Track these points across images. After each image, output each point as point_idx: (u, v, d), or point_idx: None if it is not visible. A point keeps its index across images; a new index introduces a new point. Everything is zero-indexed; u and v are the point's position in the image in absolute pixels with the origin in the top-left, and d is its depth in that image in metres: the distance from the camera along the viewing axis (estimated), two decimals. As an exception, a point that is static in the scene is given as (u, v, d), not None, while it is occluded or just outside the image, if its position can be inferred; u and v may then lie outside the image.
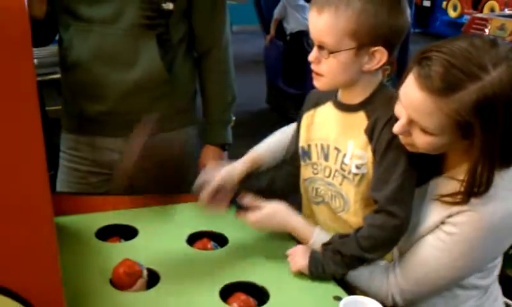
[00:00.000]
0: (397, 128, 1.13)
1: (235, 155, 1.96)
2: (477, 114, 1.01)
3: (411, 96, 1.08)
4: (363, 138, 1.25)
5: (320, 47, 1.22)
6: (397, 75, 4.17)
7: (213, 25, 1.76)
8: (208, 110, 1.84)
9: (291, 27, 5.55)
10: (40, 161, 0.81)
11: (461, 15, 9.27)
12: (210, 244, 1.41)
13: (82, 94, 1.68)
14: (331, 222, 1.36)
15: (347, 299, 1.08)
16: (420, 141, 1.10)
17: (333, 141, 1.31)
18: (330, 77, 1.25)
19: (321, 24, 1.20)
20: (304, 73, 4.76)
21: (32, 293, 0.83)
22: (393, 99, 1.22)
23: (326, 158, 1.33)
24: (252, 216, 1.35)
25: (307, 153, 1.38)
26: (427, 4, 9.95)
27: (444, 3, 9.69)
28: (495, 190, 1.10)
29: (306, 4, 5.42)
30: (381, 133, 1.22)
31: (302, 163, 1.40)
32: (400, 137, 1.16)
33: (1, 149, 0.78)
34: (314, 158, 1.36)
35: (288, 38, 5.57)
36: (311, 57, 1.24)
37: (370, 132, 1.24)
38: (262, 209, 1.35)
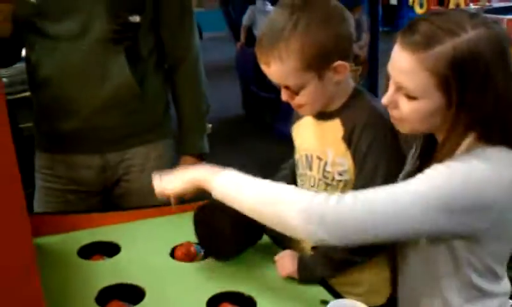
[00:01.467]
0: (385, 99, 1.12)
1: (212, 162, 1.96)
2: (453, 70, 1.01)
3: (395, 58, 1.08)
4: (342, 145, 1.26)
5: (287, 87, 1.24)
6: (369, 74, 4.21)
7: (181, 36, 1.76)
8: (183, 121, 1.83)
9: (261, 32, 5.57)
10: (14, 180, 0.80)
11: (427, 12, 9.42)
12: (193, 247, 1.41)
13: (54, 111, 1.66)
14: None
15: (334, 302, 1.08)
16: (407, 110, 1.08)
17: (315, 151, 1.33)
18: (310, 104, 1.27)
19: (274, 74, 1.22)
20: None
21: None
22: (368, 104, 1.25)
23: (310, 168, 1.34)
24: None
25: (296, 165, 1.40)
26: (393, 2, 10.09)
27: (410, 0, 9.83)
28: (468, 156, 1.05)
29: (275, 9, 5.44)
30: (359, 139, 1.24)
31: (296, 174, 1.42)
32: (390, 112, 1.13)
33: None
34: (301, 169, 1.38)
35: (259, 43, 5.59)
36: (283, 97, 1.26)
37: (348, 139, 1.25)
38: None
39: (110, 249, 1.43)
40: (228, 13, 5.82)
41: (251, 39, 5.61)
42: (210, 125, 2.70)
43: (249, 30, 5.64)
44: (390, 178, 1.22)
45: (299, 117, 1.40)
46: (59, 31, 1.57)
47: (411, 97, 1.06)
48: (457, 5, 8.73)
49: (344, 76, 1.24)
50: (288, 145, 1.46)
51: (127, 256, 1.40)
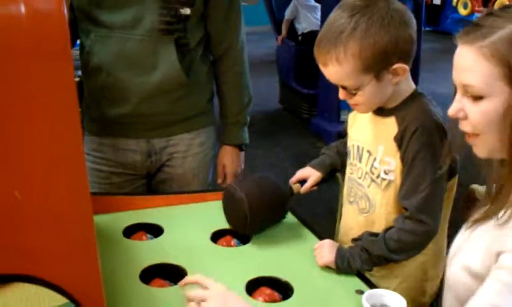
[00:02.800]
0: (451, 108, 1.00)
1: (249, 155, 2.01)
2: None
3: (456, 58, 0.99)
4: (393, 145, 1.28)
5: (344, 87, 1.26)
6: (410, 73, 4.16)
7: (228, 28, 1.80)
8: (225, 111, 1.89)
9: (303, 27, 5.57)
10: (80, 161, 0.86)
11: (471, 13, 9.23)
12: (234, 241, 1.45)
13: (104, 98, 1.73)
14: (355, 223, 1.40)
15: (370, 292, 1.11)
16: (474, 115, 0.96)
17: (366, 144, 1.35)
18: (366, 104, 1.29)
19: (332, 75, 1.24)
20: (317, 73, 4.77)
21: (76, 288, 0.87)
22: (424, 108, 1.26)
23: (360, 159, 1.37)
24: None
25: (349, 153, 1.43)
26: (437, 2, 9.91)
27: (454, 1, 9.65)
28: None
29: (318, 5, 5.44)
30: (409, 143, 1.25)
31: (347, 161, 1.46)
32: (461, 127, 1.00)
33: (44, 149, 0.83)
34: (351, 158, 1.41)
35: (300, 38, 5.59)
36: (341, 96, 1.29)
37: (400, 140, 1.27)
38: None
39: (153, 231, 1.49)
40: (271, 6, 5.83)
41: (292, 34, 5.62)
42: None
43: (291, 24, 5.64)
44: (437, 183, 1.25)
45: None
46: (113, 20, 1.63)
47: (476, 98, 0.95)
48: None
49: (402, 78, 1.24)
50: (325, 140, 1.50)
51: (170, 238, 1.46)
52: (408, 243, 1.28)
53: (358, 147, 1.38)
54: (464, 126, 0.99)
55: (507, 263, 0.90)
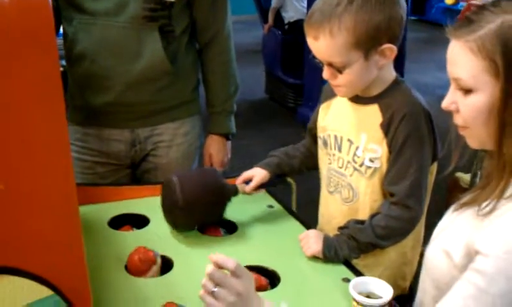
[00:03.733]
0: (444, 101, 1.01)
1: (234, 144, 2.00)
2: (500, 49, 0.91)
3: (448, 51, 1.00)
4: (379, 132, 1.28)
5: (330, 64, 1.24)
6: (395, 61, 4.17)
7: (214, 15, 1.79)
8: (212, 100, 1.87)
9: (289, 15, 5.55)
10: (65, 151, 0.85)
11: (456, 2, 9.25)
12: (220, 231, 1.45)
13: (88, 86, 1.72)
14: (338, 213, 1.40)
15: (356, 280, 1.12)
16: (465, 108, 0.97)
17: (346, 133, 1.35)
18: (350, 86, 1.28)
19: (322, 49, 1.22)
20: (303, 63, 4.79)
21: (62, 281, 0.87)
22: (409, 94, 1.26)
23: (340, 149, 1.36)
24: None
25: (325, 143, 1.42)
26: (423, -10, 9.94)
27: (440, -11, 9.69)
28: None
29: (304, -7, 5.42)
30: (397, 129, 1.25)
31: (322, 151, 1.44)
32: (454, 120, 1.01)
33: (29, 140, 0.82)
34: (328, 148, 1.40)
35: (286, 26, 5.58)
36: (325, 75, 1.27)
37: (386, 127, 1.27)
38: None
39: (139, 221, 1.48)
40: (258, -6, 5.81)
41: (278, 22, 5.60)
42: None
43: (278, 13, 5.62)
44: (424, 169, 1.26)
45: (329, 96, 1.41)
46: (96, 7, 1.61)
47: (466, 91, 0.96)
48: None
49: (387, 60, 1.24)
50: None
51: (156, 229, 1.45)
52: (396, 229, 1.29)
53: (336, 137, 1.37)
54: (457, 119, 1.00)
55: (483, 268, 0.91)
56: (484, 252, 0.91)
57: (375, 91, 1.30)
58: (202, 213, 1.40)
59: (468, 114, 0.97)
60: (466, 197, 1.07)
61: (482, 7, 0.95)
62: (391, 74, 1.31)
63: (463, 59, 0.95)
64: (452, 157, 1.08)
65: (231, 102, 1.89)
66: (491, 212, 0.94)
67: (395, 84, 1.31)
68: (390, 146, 1.27)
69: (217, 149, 1.88)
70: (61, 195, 0.87)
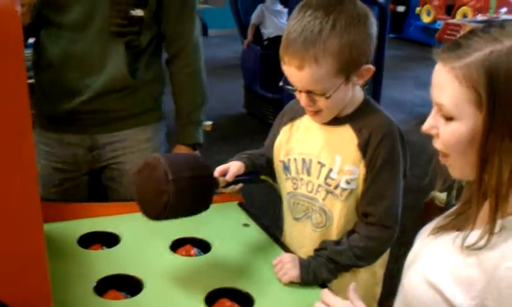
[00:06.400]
0: (425, 123, 0.98)
1: (212, 159, 1.97)
2: (486, 81, 0.87)
3: (433, 74, 0.96)
4: (355, 153, 1.26)
5: (309, 91, 1.21)
6: (373, 80, 4.20)
7: (182, 28, 1.80)
8: (179, 111, 1.88)
9: (268, 31, 5.57)
10: (30, 165, 0.81)
11: (434, 21, 9.39)
12: (194, 251, 1.41)
13: (53, 93, 1.73)
14: (307, 241, 1.36)
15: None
16: (445, 134, 0.94)
17: (316, 156, 1.31)
18: (329, 111, 1.25)
19: (305, 78, 1.18)
20: (282, 78, 4.77)
21: (23, 305, 0.82)
22: (383, 114, 1.26)
23: (308, 172, 1.32)
24: None
25: (287, 168, 1.37)
26: (401, 9, 10.06)
27: (418, 9, 9.81)
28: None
29: (284, 10, 5.45)
30: (375, 150, 1.24)
31: (283, 177, 1.39)
32: (434, 144, 0.98)
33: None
34: (293, 172, 1.35)
35: (265, 42, 5.59)
36: (303, 103, 1.24)
37: (364, 148, 1.25)
38: None
39: (109, 240, 1.43)
40: (237, 10, 5.80)
41: (258, 38, 5.61)
42: (210, 122, 2.72)
43: (257, 29, 5.63)
44: (400, 188, 1.27)
45: (293, 118, 1.38)
46: (63, 20, 1.62)
47: (448, 118, 0.93)
48: (465, 15, 8.76)
49: (365, 79, 1.23)
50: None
51: (126, 248, 1.41)
52: (374, 249, 1.29)
53: (304, 160, 1.33)
54: (437, 144, 0.98)
55: None
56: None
57: (345, 111, 1.28)
58: (193, 188, 1.19)
59: (447, 141, 0.95)
60: (442, 221, 1.04)
61: (472, 32, 0.92)
62: (359, 93, 1.30)
63: (447, 86, 0.92)
64: (437, 182, 1.05)
65: (198, 113, 1.89)
66: (480, 249, 0.90)
67: (365, 103, 1.29)
68: (368, 166, 1.25)
69: None
70: (24, 214, 0.83)
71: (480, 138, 0.89)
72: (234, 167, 1.33)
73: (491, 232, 0.89)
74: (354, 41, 1.16)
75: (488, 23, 0.93)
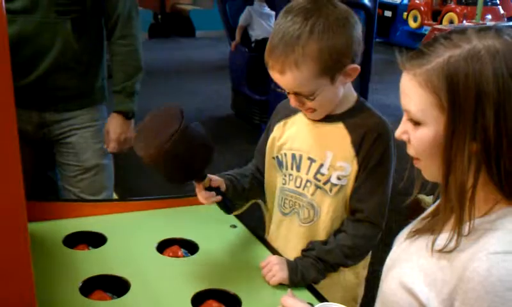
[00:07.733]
0: (397, 132, 1.01)
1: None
2: (446, 85, 0.88)
3: (401, 82, 0.98)
4: (349, 150, 1.27)
5: (297, 93, 1.23)
6: (360, 83, 4.21)
7: (116, 3, 1.91)
8: (114, 80, 1.98)
9: (256, 33, 5.57)
10: (14, 163, 0.80)
11: (421, 26, 9.49)
12: (181, 251, 1.41)
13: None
14: (293, 235, 1.36)
15: (321, 305, 1.08)
16: (413, 140, 0.96)
17: (306, 151, 1.32)
18: (321, 109, 1.27)
19: (288, 82, 1.20)
20: (268, 80, 4.77)
21: (6, 305, 0.81)
22: (377, 115, 1.28)
23: (298, 168, 1.33)
24: None
25: (281, 163, 1.38)
26: (388, 14, 10.13)
27: (405, 14, 9.89)
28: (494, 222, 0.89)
29: (272, 12, 5.45)
30: (370, 149, 1.25)
31: (274, 172, 1.40)
32: (408, 150, 1.00)
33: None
34: (285, 168, 1.37)
35: (253, 44, 5.59)
36: (293, 103, 1.26)
37: (358, 146, 1.26)
38: None
39: (96, 240, 1.42)
40: (225, 12, 5.80)
41: (245, 40, 5.62)
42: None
43: (245, 31, 5.64)
44: (390, 187, 1.29)
45: (286, 115, 1.39)
46: (14, 7, 1.78)
47: (416, 123, 0.95)
48: (451, 21, 8.84)
49: (353, 78, 1.25)
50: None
51: (113, 248, 1.39)
52: (362, 247, 1.31)
53: (293, 155, 1.34)
54: (409, 149, 1.00)
55: None
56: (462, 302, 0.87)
57: (339, 110, 1.30)
58: (198, 140, 1.21)
59: (417, 146, 0.97)
60: (418, 225, 1.05)
61: (435, 39, 0.94)
62: (352, 93, 1.32)
63: (412, 92, 0.94)
64: (415, 185, 1.05)
65: (131, 83, 1.97)
66: (451, 251, 0.91)
67: (359, 103, 1.31)
68: (361, 164, 1.27)
69: (114, 126, 1.96)
70: (8, 214, 0.81)
71: (443, 142, 0.91)
72: (217, 179, 1.34)
73: (459, 234, 0.90)
74: (333, 44, 1.17)
75: (452, 30, 0.95)
